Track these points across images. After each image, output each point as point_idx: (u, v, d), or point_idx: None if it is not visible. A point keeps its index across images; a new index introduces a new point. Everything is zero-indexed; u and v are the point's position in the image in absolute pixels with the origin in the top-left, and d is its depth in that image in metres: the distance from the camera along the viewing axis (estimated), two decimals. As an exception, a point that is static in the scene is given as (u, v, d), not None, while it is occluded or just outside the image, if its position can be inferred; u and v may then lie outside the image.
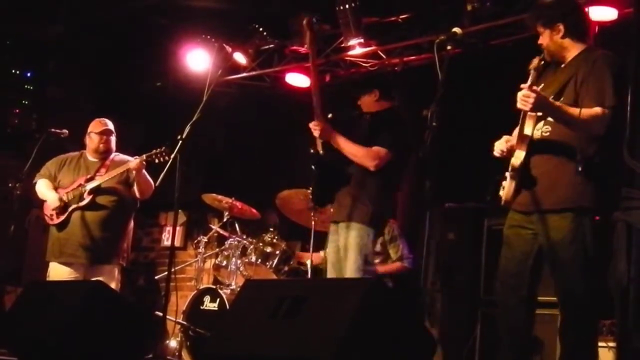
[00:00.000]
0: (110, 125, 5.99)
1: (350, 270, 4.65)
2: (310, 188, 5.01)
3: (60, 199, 5.77)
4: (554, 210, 3.87)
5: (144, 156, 5.68)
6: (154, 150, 5.69)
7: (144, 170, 5.74)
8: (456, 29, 3.87)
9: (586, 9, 5.40)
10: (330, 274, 4.89)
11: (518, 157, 3.89)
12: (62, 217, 5.76)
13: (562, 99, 3.92)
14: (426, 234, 3.70)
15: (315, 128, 4.82)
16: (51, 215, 5.82)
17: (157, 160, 5.68)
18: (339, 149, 4.78)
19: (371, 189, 4.77)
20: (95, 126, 5.96)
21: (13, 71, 8.45)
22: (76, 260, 5.73)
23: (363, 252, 4.71)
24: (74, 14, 7.70)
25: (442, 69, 3.72)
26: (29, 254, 7.90)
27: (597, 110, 3.80)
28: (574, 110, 3.81)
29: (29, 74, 8.56)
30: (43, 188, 5.91)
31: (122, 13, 7.54)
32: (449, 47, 3.79)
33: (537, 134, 3.94)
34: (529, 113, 3.85)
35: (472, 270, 5.73)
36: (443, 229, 5.96)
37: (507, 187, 3.98)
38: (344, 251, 4.74)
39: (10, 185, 6.26)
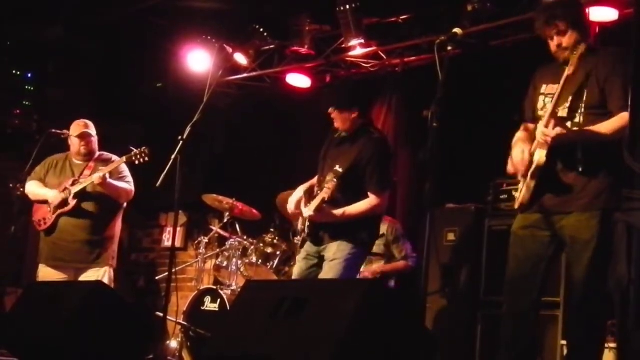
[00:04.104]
0: (90, 127, 5.92)
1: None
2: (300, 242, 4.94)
3: (64, 190, 5.72)
4: (583, 211, 3.88)
5: (107, 171, 5.63)
6: (134, 151, 5.69)
7: (111, 181, 5.68)
8: (456, 30, 3.86)
9: (587, 9, 5.42)
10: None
11: (541, 155, 3.85)
12: (52, 221, 5.74)
13: (584, 98, 3.88)
14: (426, 235, 3.69)
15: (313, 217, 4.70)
16: (39, 221, 5.80)
17: (137, 162, 5.67)
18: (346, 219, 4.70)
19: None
20: (74, 130, 5.90)
21: (14, 72, 8.46)
22: (66, 265, 5.73)
23: (350, 269, 4.67)
24: (74, 15, 7.70)
25: (443, 70, 3.71)
26: (29, 255, 7.90)
27: (626, 117, 3.75)
28: (599, 130, 3.80)
29: (29, 75, 8.56)
30: (37, 188, 5.88)
31: (122, 14, 7.55)
32: (449, 48, 3.78)
33: None
34: (549, 113, 3.85)
35: (472, 271, 5.73)
36: (443, 230, 5.95)
37: (524, 189, 3.95)
38: (329, 260, 4.68)
39: (10, 186, 6.26)
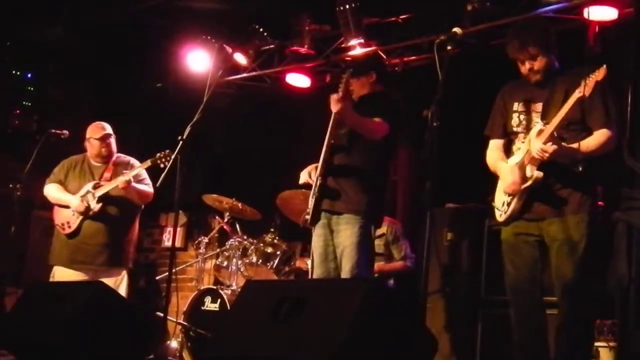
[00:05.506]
0: (109, 128, 5.97)
1: (351, 268, 4.62)
2: (310, 212, 4.83)
3: (83, 201, 5.75)
4: (571, 214, 3.99)
5: (131, 175, 5.71)
6: (158, 154, 5.72)
7: (133, 184, 5.76)
8: (456, 29, 3.88)
9: (585, 9, 5.45)
10: (317, 270, 4.84)
11: (535, 170, 3.99)
12: (77, 225, 5.77)
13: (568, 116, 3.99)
14: (426, 235, 3.70)
15: (336, 101, 4.55)
16: (62, 224, 5.82)
17: (161, 165, 5.71)
18: (348, 121, 4.65)
19: (365, 178, 4.71)
20: (94, 132, 5.94)
21: (13, 72, 8.46)
22: (87, 267, 5.77)
23: (364, 249, 4.67)
24: (73, 16, 7.70)
25: (442, 69, 3.73)
26: (29, 256, 7.90)
27: (607, 133, 3.96)
28: (587, 148, 3.97)
29: (29, 76, 8.56)
30: (58, 192, 5.90)
31: (122, 14, 7.55)
32: (449, 47, 3.80)
33: None
34: (539, 129, 3.97)
35: (472, 271, 5.73)
36: (443, 230, 5.95)
37: (515, 203, 4.07)
38: (342, 249, 4.68)
39: (10, 186, 6.26)
